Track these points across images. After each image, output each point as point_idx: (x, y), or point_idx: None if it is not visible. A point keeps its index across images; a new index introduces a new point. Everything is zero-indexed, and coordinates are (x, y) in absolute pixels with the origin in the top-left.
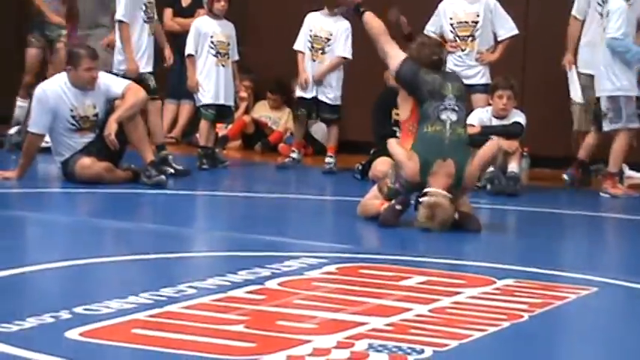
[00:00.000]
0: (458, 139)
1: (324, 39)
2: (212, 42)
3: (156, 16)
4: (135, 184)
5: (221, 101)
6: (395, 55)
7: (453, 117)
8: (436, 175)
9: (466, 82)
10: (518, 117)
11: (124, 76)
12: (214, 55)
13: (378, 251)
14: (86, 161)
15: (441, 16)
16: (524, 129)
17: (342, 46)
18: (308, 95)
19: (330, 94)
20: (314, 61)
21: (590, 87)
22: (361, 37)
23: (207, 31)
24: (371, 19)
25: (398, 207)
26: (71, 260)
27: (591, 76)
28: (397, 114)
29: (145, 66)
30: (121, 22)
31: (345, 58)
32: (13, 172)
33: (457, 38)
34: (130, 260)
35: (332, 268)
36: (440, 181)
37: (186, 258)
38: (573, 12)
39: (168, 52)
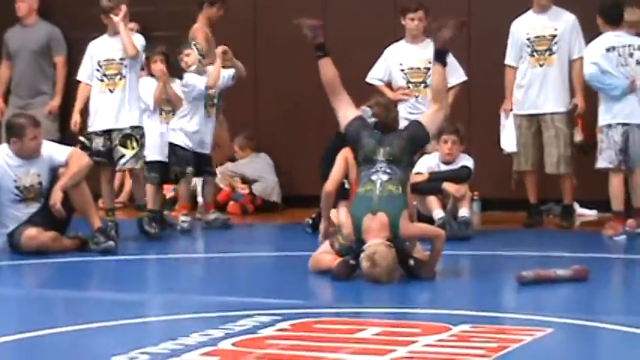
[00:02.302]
0: (389, 194)
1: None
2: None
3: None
4: (83, 252)
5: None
6: (344, 115)
7: (384, 177)
8: (369, 230)
9: None
10: (466, 161)
11: None
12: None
13: (331, 305)
14: (32, 232)
15: (388, 62)
16: (473, 172)
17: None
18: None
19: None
20: None
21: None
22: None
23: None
24: (325, 66)
25: (352, 262)
26: (20, 333)
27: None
28: None
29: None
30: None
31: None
32: None
33: (409, 85)
34: (82, 330)
35: (286, 324)
36: (374, 234)
37: (138, 324)
38: (506, 61)
39: None
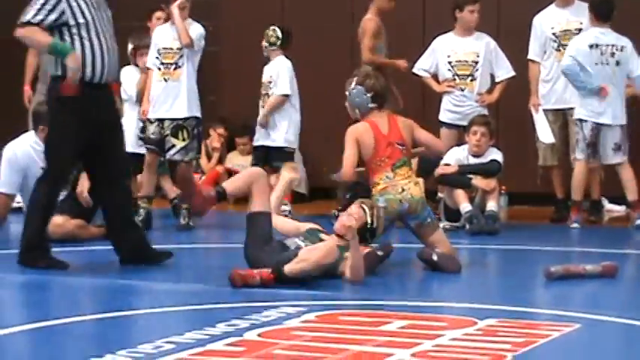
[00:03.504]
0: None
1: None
2: None
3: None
4: (109, 240)
5: None
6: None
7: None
8: None
9: (467, 123)
10: (495, 154)
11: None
12: None
13: (357, 297)
14: (58, 219)
15: (436, 53)
16: (502, 166)
17: (280, 85)
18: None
19: (277, 137)
20: (263, 107)
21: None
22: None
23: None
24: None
25: (380, 252)
26: (46, 321)
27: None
28: None
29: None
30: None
31: (284, 95)
32: None
33: (456, 77)
34: (106, 318)
35: (311, 316)
36: None
37: (163, 313)
38: (529, 55)
39: None
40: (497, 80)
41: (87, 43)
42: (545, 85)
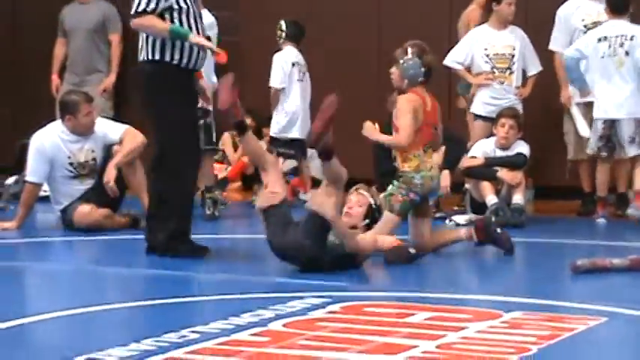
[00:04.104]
0: None
1: None
2: None
3: None
4: (134, 230)
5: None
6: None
7: None
8: None
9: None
10: (522, 147)
11: None
12: None
13: (382, 288)
14: (85, 208)
15: (473, 45)
16: (528, 159)
17: (272, 78)
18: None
19: (274, 127)
20: None
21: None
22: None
23: None
24: (246, 143)
25: (412, 250)
26: (73, 309)
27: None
28: None
29: None
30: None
31: (275, 88)
32: (12, 222)
33: (494, 70)
34: (132, 307)
35: (336, 307)
36: None
37: (188, 302)
38: (555, 47)
39: None
40: (528, 74)
41: (185, 26)
42: None
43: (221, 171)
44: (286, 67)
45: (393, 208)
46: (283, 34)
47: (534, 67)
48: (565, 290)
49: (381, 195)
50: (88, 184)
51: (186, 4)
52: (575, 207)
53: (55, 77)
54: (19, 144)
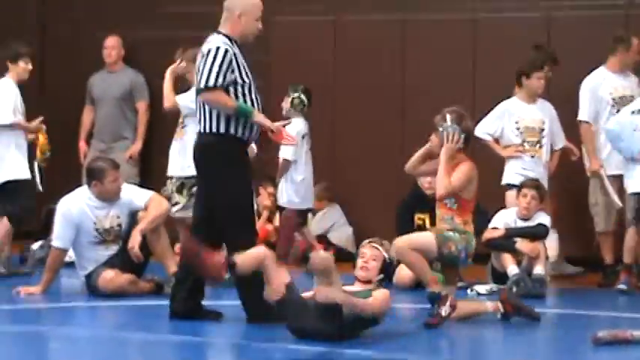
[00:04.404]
0: None
1: None
2: None
3: None
4: (159, 296)
5: None
6: None
7: None
8: None
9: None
10: (543, 218)
11: None
12: None
13: (407, 357)
14: (109, 274)
15: (504, 118)
16: (549, 230)
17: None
18: None
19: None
20: None
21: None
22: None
23: None
24: None
25: (444, 312)
26: None
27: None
28: (420, 219)
29: None
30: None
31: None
32: (37, 286)
33: (525, 144)
34: None
35: None
36: None
37: None
38: (583, 117)
39: None
40: (555, 148)
41: (248, 102)
42: (604, 151)
43: None
44: (298, 139)
45: (442, 250)
46: (299, 106)
47: (561, 142)
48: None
49: (434, 230)
50: (113, 249)
51: (248, 78)
52: (596, 278)
53: (82, 144)
54: (45, 209)
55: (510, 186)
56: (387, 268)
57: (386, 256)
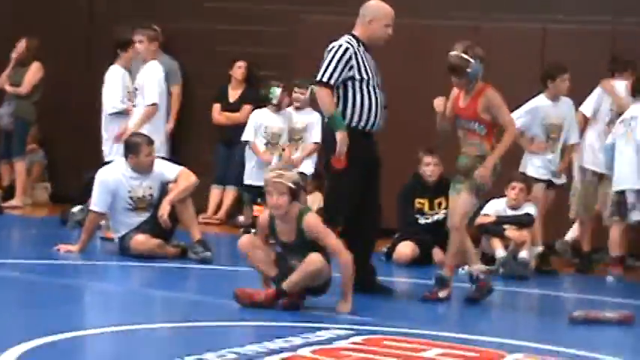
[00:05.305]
0: None
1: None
2: (265, 132)
3: None
4: (183, 259)
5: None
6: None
7: None
8: None
9: (558, 181)
10: (529, 208)
11: None
12: (265, 144)
13: (400, 325)
14: (141, 238)
15: (533, 114)
16: (534, 219)
17: None
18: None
19: None
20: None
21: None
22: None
23: (262, 122)
24: None
25: (442, 295)
26: (124, 325)
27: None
28: (420, 203)
29: None
30: None
31: None
32: (76, 245)
33: (549, 140)
34: (177, 327)
35: (358, 339)
36: None
37: (228, 326)
38: (585, 110)
39: None
40: (569, 143)
41: (366, 96)
42: (594, 148)
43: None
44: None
45: (480, 190)
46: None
47: (574, 138)
48: (563, 337)
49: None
50: (144, 216)
51: (367, 74)
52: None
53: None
54: (86, 177)
55: (536, 180)
56: (298, 192)
57: (289, 184)
